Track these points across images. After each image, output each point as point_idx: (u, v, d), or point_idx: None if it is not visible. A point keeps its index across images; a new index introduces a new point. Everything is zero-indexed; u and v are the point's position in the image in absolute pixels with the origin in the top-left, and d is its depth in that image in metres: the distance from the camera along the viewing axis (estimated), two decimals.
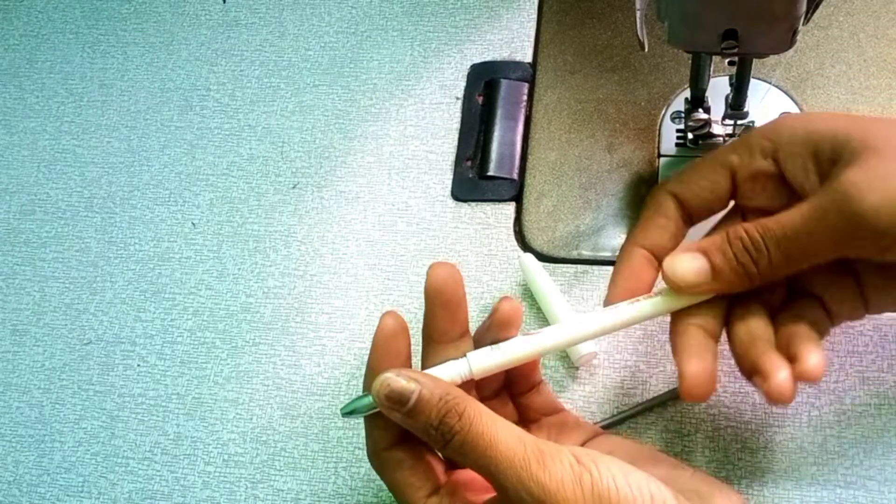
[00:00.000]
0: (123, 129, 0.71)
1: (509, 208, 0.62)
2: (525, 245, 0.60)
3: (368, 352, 0.40)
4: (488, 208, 0.62)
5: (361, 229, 0.63)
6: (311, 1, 0.75)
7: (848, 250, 0.37)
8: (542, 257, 0.59)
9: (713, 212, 0.44)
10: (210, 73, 0.73)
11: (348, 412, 0.39)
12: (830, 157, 0.38)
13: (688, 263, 0.39)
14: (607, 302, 0.43)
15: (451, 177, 0.64)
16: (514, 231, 0.61)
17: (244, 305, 0.62)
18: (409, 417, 0.35)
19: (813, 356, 0.38)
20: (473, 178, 0.64)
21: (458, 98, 0.67)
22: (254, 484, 0.55)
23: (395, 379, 0.36)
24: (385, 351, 0.39)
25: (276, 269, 0.63)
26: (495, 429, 0.35)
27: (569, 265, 0.59)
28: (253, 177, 0.67)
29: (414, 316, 0.59)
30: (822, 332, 0.42)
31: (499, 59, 0.69)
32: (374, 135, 0.67)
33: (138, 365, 0.61)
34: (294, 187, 0.66)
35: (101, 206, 0.68)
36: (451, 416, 0.34)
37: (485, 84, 0.67)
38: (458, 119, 0.66)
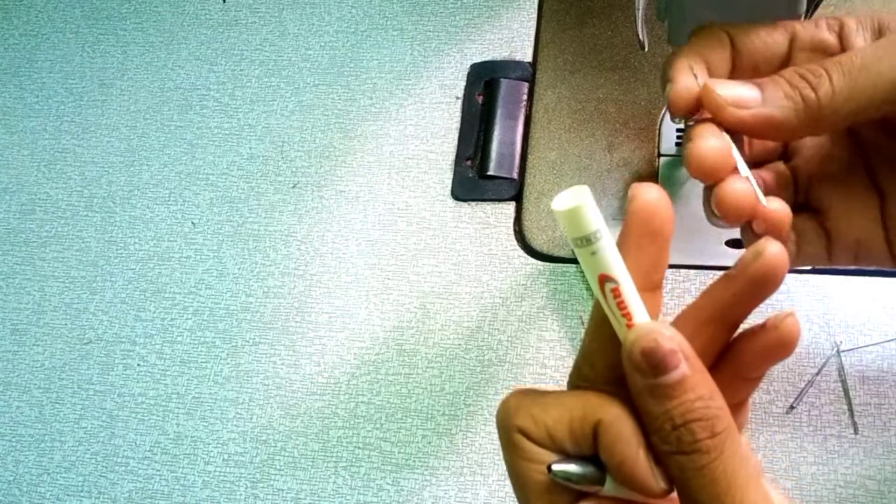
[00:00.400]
0: (123, 129, 0.71)
1: (509, 208, 0.62)
2: (525, 244, 0.60)
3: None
4: (488, 208, 0.62)
5: (361, 229, 0.63)
6: (311, 1, 0.75)
7: None
8: (542, 256, 0.59)
9: (760, 73, 0.37)
10: (210, 72, 0.73)
11: (564, 477, 0.29)
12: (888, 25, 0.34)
13: (733, 85, 0.33)
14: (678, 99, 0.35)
15: (451, 176, 0.64)
16: (514, 230, 0.61)
17: (244, 305, 0.62)
18: (652, 393, 0.28)
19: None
20: (473, 178, 0.64)
21: (458, 98, 0.67)
22: (254, 483, 0.55)
23: (668, 339, 0.27)
24: (646, 231, 0.29)
25: (276, 269, 0.63)
26: (747, 480, 0.28)
27: (568, 265, 0.59)
28: (253, 176, 0.67)
29: (414, 316, 0.59)
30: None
31: (499, 58, 0.68)
32: (373, 134, 0.67)
33: (138, 364, 0.61)
34: (294, 187, 0.66)
35: (101, 206, 0.68)
36: (702, 428, 0.28)
37: (485, 83, 0.67)
38: (458, 119, 0.66)
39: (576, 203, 0.27)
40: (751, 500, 0.27)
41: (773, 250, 0.28)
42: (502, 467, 0.53)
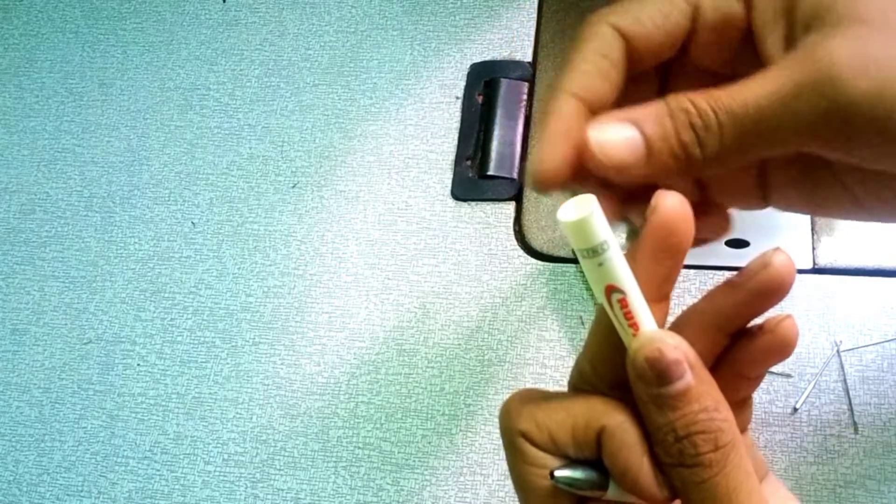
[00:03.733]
0: (123, 129, 0.71)
1: (509, 207, 0.62)
2: (525, 244, 0.60)
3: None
4: (488, 208, 0.62)
5: (361, 229, 0.63)
6: (311, 1, 0.75)
7: (822, 142, 0.28)
8: (542, 256, 0.59)
9: (660, 59, 0.33)
10: (210, 72, 0.73)
11: (567, 483, 0.29)
12: (807, 17, 0.28)
13: (617, 134, 0.29)
14: (538, 174, 0.31)
15: (451, 176, 0.64)
16: (514, 230, 0.61)
17: (244, 305, 0.62)
18: (656, 402, 0.27)
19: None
20: (473, 178, 0.64)
21: (458, 97, 0.67)
22: (254, 483, 0.55)
23: (674, 350, 0.26)
24: (665, 245, 0.28)
25: (276, 269, 0.63)
26: (749, 495, 0.27)
27: (568, 265, 0.59)
28: (253, 176, 0.67)
29: (414, 316, 0.59)
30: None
31: (499, 58, 0.68)
32: (373, 134, 0.67)
33: (138, 364, 0.61)
34: (294, 187, 0.66)
35: (101, 206, 0.68)
36: (705, 441, 0.27)
37: (485, 83, 0.67)
38: (458, 118, 0.66)
39: (583, 214, 0.25)
40: None
41: (781, 260, 0.27)
42: (502, 467, 0.53)
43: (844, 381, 0.51)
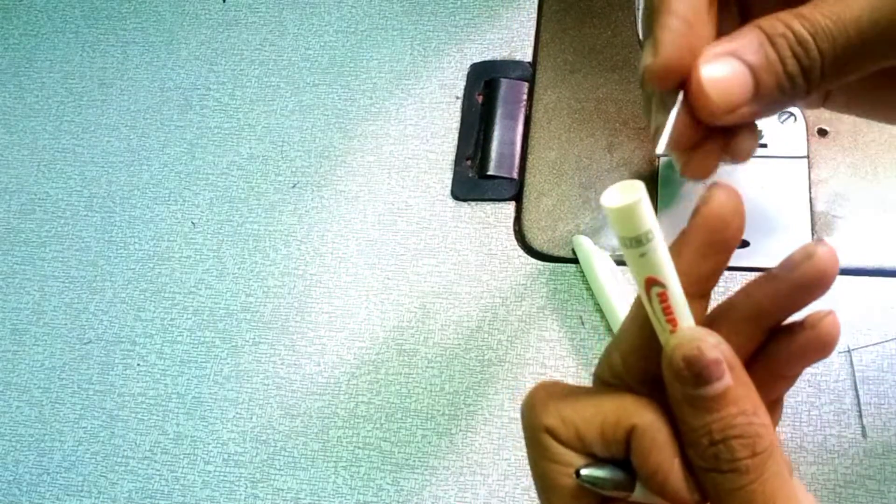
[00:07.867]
0: (123, 129, 0.71)
1: (509, 207, 0.62)
2: (525, 244, 0.60)
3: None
4: (488, 207, 0.62)
5: (361, 229, 0.63)
6: (311, 1, 0.75)
7: None
8: (542, 256, 0.59)
9: None
10: (210, 72, 0.73)
11: (592, 483, 0.28)
12: None
13: (727, 69, 0.27)
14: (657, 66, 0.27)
15: (451, 176, 0.64)
16: (514, 230, 0.61)
17: (244, 305, 0.62)
18: (692, 403, 0.26)
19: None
20: (473, 178, 0.64)
21: (457, 97, 0.67)
22: (254, 483, 0.55)
23: (713, 350, 0.25)
24: (713, 240, 0.26)
25: (275, 269, 0.63)
26: (786, 503, 0.26)
27: (569, 264, 0.59)
28: (253, 176, 0.67)
29: (414, 316, 0.59)
30: None
31: (499, 58, 0.68)
32: (373, 134, 0.67)
33: (138, 364, 0.61)
34: (294, 187, 0.66)
35: (101, 206, 0.68)
36: (743, 446, 0.25)
37: (485, 83, 0.67)
38: (458, 118, 0.66)
39: (630, 200, 0.24)
40: None
41: (825, 251, 0.26)
42: (502, 467, 0.53)
43: (845, 381, 0.51)
